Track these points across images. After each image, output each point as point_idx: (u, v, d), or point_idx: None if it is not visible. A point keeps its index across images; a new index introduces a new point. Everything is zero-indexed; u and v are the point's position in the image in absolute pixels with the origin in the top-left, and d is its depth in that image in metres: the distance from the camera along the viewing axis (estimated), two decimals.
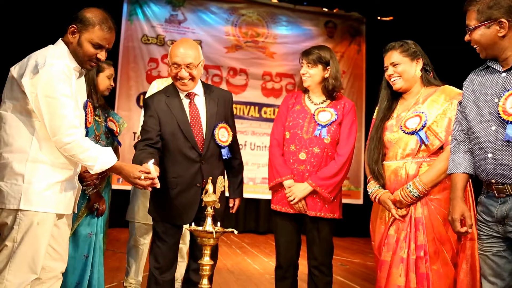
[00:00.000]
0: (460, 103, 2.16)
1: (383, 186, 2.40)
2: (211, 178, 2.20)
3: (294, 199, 2.65)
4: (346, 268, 5.23)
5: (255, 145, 7.97)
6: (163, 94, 2.67)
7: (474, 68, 2.14)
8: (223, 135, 2.64)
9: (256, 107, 8.08)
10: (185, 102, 2.65)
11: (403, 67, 2.40)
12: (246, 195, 2.86)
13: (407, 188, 2.27)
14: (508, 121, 1.87)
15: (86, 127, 2.31)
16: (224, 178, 2.56)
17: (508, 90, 1.90)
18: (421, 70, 2.42)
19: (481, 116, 1.98)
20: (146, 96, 3.40)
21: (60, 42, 2.13)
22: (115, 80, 8.25)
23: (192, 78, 2.59)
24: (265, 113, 8.10)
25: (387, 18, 8.29)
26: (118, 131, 3.05)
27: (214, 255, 2.61)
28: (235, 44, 8.13)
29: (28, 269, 1.98)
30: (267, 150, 8.02)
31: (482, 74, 2.06)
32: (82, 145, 2.02)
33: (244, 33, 8.18)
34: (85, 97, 2.32)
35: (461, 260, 2.20)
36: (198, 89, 2.69)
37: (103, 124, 2.91)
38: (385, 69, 2.48)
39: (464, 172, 2.06)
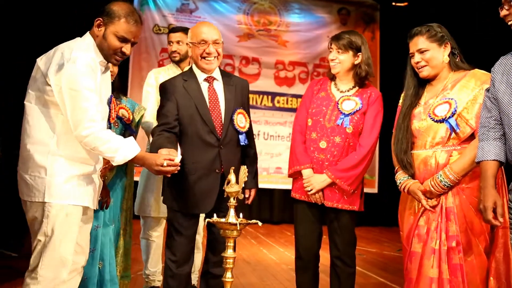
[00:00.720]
0: (488, 89, 2.08)
1: (412, 176, 2.32)
2: (233, 168, 2.14)
3: (311, 190, 2.59)
4: (363, 258, 5.18)
5: (268, 135, 7.91)
6: (181, 77, 2.63)
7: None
8: (241, 121, 2.59)
9: (269, 96, 8.01)
10: (204, 86, 2.60)
11: (431, 53, 2.30)
12: (260, 185, 2.79)
13: (438, 177, 2.19)
14: None
15: (109, 122, 2.27)
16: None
17: None
18: (448, 55, 2.32)
19: None
20: (144, 87, 3.34)
21: (87, 35, 2.11)
22: (127, 70, 8.19)
23: (217, 56, 2.58)
24: (278, 102, 8.03)
25: (402, 4, 8.14)
26: (131, 118, 2.95)
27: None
28: (247, 33, 8.05)
29: (60, 263, 1.97)
30: (280, 139, 8.01)
31: None
32: (102, 137, 1.98)
33: (256, 22, 8.10)
34: (110, 92, 2.29)
35: (494, 249, 2.13)
36: (217, 74, 2.66)
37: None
38: (410, 55, 2.38)
39: (494, 160, 1.98)
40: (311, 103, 2.71)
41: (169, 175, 2.23)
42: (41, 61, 2.03)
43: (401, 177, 2.36)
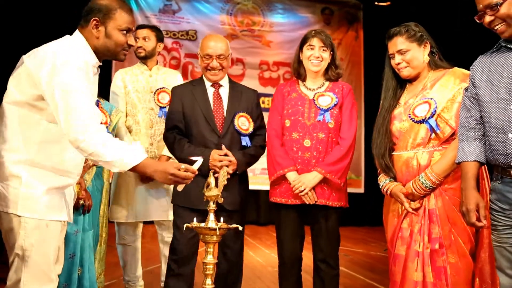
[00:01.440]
0: (466, 89, 2.06)
1: (394, 178, 2.29)
2: (212, 171, 2.11)
3: (304, 189, 2.51)
4: (350, 258, 5.16)
5: None
6: (190, 84, 2.86)
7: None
8: (243, 124, 2.70)
9: None
10: (210, 90, 2.77)
11: (411, 53, 2.27)
12: None
13: (419, 179, 2.16)
14: None
15: None
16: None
17: None
18: (428, 55, 2.29)
19: (497, 96, 1.87)
20: (111, 88, 3.36)
21: (77, 35, 1.95)
22: (109, 72, 8.09)
23: (222, 69, 2.74)
24: (263, 102, 7.97)
25: (385, 3, 8.16)
26: (108, 121, 2.88)
27: (240, 254, 2.79)
28: (231, 33, 7.99)
29: (45, 277, 1.83)
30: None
31: (493, 55, 1.95)
32: (101, 140, 1.78)
33: (240, 22, 8.04)
34: (96, 95, 2.14)
35: (479, 249, 2.11)
36: (224, 82, 2.81)
37: None
38: (390, 56, 2.34)
39: (475, 160, 1.96)
40: (284, 105, 2.68)
41: (182, 185, 2.01)
42: (28, 59, 1.85)
43: (383, 180, 2.34)
